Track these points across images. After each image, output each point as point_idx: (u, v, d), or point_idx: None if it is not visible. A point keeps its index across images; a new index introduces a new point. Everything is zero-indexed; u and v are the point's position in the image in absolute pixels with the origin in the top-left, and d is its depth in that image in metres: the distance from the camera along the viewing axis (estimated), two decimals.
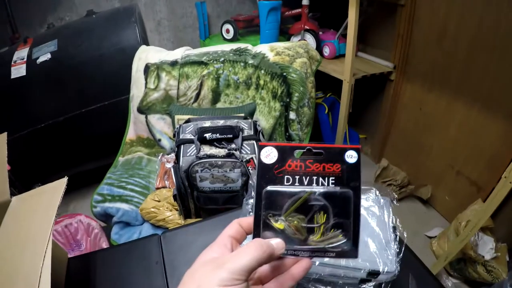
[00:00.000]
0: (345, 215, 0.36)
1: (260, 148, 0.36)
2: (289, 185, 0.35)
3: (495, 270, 1.38)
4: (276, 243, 0.34)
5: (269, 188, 0.36)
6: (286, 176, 0.36)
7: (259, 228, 0.35)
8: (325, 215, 0.36)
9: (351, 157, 0.36)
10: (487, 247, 1.42)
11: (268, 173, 0.36)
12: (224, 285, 0.29)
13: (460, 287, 1.52)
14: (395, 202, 0.83)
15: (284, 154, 0.36)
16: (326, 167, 0.36)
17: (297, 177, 0.36)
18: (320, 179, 0.36)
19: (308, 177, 0.35)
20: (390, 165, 2.04)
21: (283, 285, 0.36)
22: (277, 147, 0.36)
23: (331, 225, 0.36)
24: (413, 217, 1.87)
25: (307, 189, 0.36)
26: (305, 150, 0.37)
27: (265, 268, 0.36)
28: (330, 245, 0.35)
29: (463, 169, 1.69)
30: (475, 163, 1.61)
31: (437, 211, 1.90)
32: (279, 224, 0.35)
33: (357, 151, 0.37)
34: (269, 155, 0.35)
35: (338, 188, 0.36)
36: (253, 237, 0.35)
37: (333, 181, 0.36)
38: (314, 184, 0.36)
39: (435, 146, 1.83)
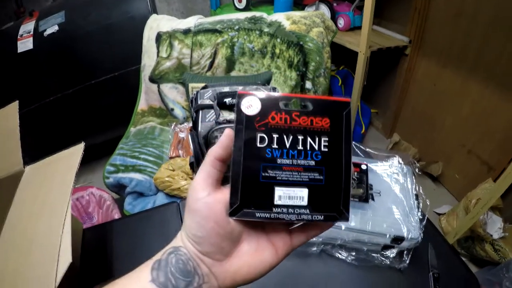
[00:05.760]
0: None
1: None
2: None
3: (502, 250, 1.39)
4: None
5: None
6: (261, 135, 0.30)
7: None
8: None
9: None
10: (495, 227, 1.43)
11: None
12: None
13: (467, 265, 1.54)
14: (417, 170, 0.83)
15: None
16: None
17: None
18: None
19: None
20: (401, 140, 2.03)
21: (306, 230, 0.33)
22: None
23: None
24: (423, 193, 1.87)
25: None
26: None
27: None
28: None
29: (474, 148, 1.68)
30: (487, 142, 1.60)
31: (446, 188, 1.90)
32: None
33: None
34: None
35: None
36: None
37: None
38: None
39: (447, 124, 1.81)
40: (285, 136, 0.30)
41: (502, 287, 1.22)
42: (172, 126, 1.51)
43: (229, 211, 0.30)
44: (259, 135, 0.30)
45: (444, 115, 1.82)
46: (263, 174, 0.30)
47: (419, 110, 1.99)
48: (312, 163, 0.30)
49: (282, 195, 0.30)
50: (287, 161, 0.30)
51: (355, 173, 0.76)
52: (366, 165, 0.78)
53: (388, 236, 0.68)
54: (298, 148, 0.30)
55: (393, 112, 2.16)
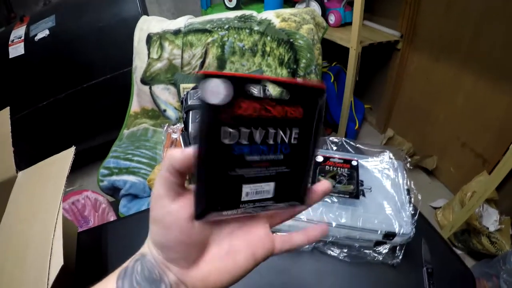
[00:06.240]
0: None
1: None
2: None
3: (499, 242, 1.39)
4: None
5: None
6: (227, 129, 0.25)
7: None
8: None
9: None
10: (491, 219, 1.43)
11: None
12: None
13: (464, 258, 1.54)
14: (408, 165, 0.82)
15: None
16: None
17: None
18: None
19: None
20: (395, 135, 2.04)
21: (292, 239, 0.33)
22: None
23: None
24: (418, 187, 1.87)
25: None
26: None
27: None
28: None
29: (469, 141, 1.68)
30: (481, 135, 1.60)
31: (442, 182, 1.91)
32: None
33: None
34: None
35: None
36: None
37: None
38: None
39: (441, 117, 1.81)
40: (255, 130, 0.26)
41: (500, 279, 1.22)
42: (165, 127, 1.50)
43: (196, 215, 0.27)
44: (224, 129, 0.25)
45: (438, 108, 1.82)
46: (230, 173, 0.26)
47: (412, 104, 1.99)
48: (281, 157, 0.28)
49: (250, 191, 0.28)
50: (257, 158, 0.27)
51: (346, 169, 0.76)
52: (357, 161, 0.77)
53: (379, 232, 0.68)
54: (269, 143, 0.27)
55: (386, 107, 2.17)
